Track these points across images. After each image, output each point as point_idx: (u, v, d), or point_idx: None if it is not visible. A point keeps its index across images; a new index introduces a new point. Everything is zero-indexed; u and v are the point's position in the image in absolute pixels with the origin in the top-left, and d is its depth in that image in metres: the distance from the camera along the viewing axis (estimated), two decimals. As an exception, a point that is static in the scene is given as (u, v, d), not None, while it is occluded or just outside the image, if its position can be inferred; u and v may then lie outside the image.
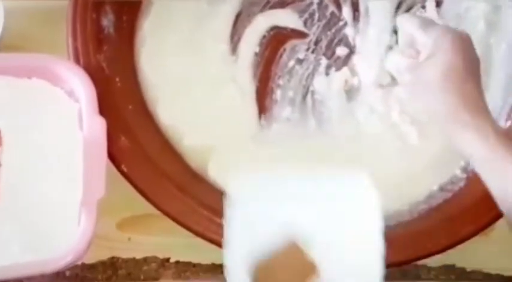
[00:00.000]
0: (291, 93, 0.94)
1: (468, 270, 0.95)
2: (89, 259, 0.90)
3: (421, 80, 0.79)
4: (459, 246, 0.88)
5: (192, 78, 0.94)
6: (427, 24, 0.82)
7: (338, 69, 0.96)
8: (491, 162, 0.75)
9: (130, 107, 0.90)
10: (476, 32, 0.95)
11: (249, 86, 0.94)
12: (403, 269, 0.93)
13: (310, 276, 0.77)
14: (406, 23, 0.84)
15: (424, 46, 0.80)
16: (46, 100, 0.86)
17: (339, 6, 0.97)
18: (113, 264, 0.91)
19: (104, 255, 0.85)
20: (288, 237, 0.75)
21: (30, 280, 0.90)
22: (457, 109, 0.77)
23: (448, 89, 0.77)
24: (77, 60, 0.87)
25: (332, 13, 0.98)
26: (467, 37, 0.80)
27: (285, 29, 0.97)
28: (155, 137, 0.89)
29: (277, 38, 0.97)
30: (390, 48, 0.94)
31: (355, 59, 0.96)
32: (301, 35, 0.97)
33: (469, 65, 0.78)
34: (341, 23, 0.97)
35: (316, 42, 0.97)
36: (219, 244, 0.86)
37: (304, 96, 0.93)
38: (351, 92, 0.93)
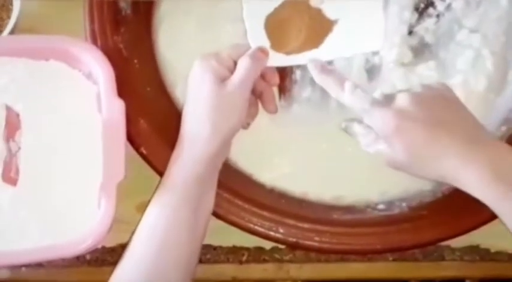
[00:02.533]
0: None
1: (493, 251, 0.94)
2: (109, 242, 0.90)
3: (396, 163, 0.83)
4: (483, 227, 0.88)
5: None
6: (370, 105, 0.82)
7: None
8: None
9: (148, 89, 0.90)
10: (500, 8, 0.93)
11: (268, 66, 0.93)
12: (427, 250, 0.93)
13: (326, 32, 0.89)
14: (354, 101, 0.84)
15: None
16: (64, 82, 0.86)
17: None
18: (133, 247, 0.91)
19: (124, 238, 0.85)
20: None
21: (50, 264, 0.90)
22: (443, 166, 0.79)
23: (421, 159, 0.80)
24: (95, 42, 0.87)
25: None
26: (410, 99, 0.80)
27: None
28: (174, 118, 0.88)
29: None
30: (411, 26, 0.92)
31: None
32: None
33: (428, 120, 0.79)
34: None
35: (336, 21, 0.95)
36: (239, 226, 0.86)
37: (325, 76, 0.92)
38: (371, 71, 0.92)
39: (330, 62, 0.90)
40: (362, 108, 0.82)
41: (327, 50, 0.90)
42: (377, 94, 0.83)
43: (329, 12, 0.90)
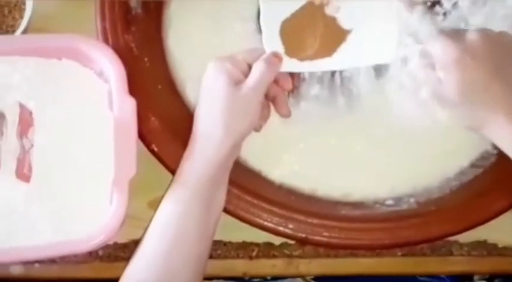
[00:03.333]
0: (319, 71, 0.94)
1: (500, 246, 0.94)
2: (122, 238, 0.91)
3: (442, 97, 0.82)
4: (491, 222, 0.88)
5: (219, 56, 0.94)
6: (438, 31, 0.82)
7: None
8: None
9: (159, 86, 0.91)
10: (506, 6, 0.94)
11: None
12: (435, 245, 0.93)
13: (340, 41, 0.89)
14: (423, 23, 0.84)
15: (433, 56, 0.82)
16: (76, 81, 0.87)
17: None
18: (144, 243, 0.92)
19: (136, 234, 0.86)
20: None
21: (63, 260, 0.91)
22: (488, 117, 0.79)
23: (471, 102, 0.79)
24: (106, 41, 0.88)
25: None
26: (479, 38, 0.80)
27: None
28: (184, 116, 0.89)
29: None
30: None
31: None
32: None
33: (489, 65, 0.79)
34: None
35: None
36: (249, 222, 0.87)
37: (333, 74, 0.92)
38: (379, 69, 0.92)
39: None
40: (429, 31, 0.83)
41: (339, 59, 0.90)
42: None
43: (343, 21, 0.90)
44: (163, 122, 0.88)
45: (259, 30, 0.92)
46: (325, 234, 0.87)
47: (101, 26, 0.88)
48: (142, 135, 0.86)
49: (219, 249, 0.93)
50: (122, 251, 0.91)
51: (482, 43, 0.80)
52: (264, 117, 0.89)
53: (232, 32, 0.95)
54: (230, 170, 0.85)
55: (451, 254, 0.93)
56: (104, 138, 0.84)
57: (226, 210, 0.86)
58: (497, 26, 0.87)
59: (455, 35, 0.82)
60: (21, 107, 0.82)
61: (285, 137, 0.93)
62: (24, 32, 0.91)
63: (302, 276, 0.97)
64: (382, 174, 0.92)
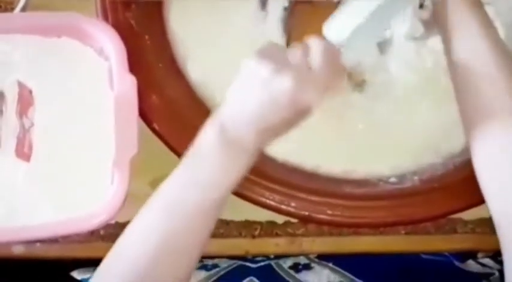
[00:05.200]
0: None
1: (504, 223, 0.94)
2: (123, 218, 0.90)
3: None
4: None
5: (221, 34, 0.93)
6: None
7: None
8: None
9: (160, 64, 0.90)
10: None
11: (279, 41, 0.93)
12: (439, 223, 0.93)
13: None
14: None
15: None
16: (76, 59, 0.86)
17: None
18: (146, 222, 0.92)
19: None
20: None
21: (64, 239, 0.91)
22: None
23: None
24: (106, 18, 0.87)
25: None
26: None
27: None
28: (186, 94, 0.88)
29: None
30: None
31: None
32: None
33: None
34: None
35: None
36: (251, 200, 0.87)
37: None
38: (383, 45, 0.91)
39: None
40: None
41: None
42: None
43: None
44: (164, 101, 0.87)
45: (261, 7, 0.91)
46: (329, 212, 0.86)
47: (100, 3, 0.87)
48: (143, 114, 0.85)
49: (222, 228, 0.93)
50: (123, 231, 0.91)
51: None
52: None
53: (234, 9, 0.94)
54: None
55: (455, 231, 0.93)
56: (105, 116, 0.83)
57: (228, 189, 0.85)
58: (503, 1, 0.87)
59: None
60: (21, 85, 0.82)
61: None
62: (23, 10, 0.90)
63: (305, 255, 0.97)
64: (385, 152, 0.91)
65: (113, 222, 0.90)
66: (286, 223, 0.93)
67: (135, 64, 0.85)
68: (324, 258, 0.99)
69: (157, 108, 0.86)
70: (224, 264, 0.95)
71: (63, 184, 0.83)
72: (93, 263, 0.93)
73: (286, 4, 0.94)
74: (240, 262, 0.96)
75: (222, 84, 0.90)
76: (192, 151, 0.73)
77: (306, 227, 0.93)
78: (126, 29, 0.87)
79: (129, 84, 0.83)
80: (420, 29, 0.91)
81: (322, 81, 0.71)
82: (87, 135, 0.84)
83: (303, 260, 0.96)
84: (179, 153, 0.85)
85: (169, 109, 0.87)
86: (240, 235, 0.93)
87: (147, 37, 0.89)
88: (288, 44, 0.93)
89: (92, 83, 0.86)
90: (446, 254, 1.01)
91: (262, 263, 0.97)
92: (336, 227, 0.93)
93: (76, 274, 0.96)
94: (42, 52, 0.85)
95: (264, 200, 0.86)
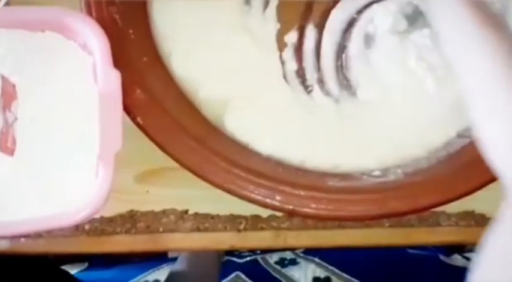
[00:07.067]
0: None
1: (488, 216, 0.95)
2: (108, 212, 0.91)
3: None
4: (478, 193, 0.88)
5: (206, 29, 0.93)
6: None
7: (353, 16, 0.94)
8: None
9: (144, 59, 0.89)
10: None
11: (264, 34, 0.93)
12: (423, 215, 0.93)
13: None
14: None
15: None
16: (60, 53, 0.86)
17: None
18: (131, 217, 0.92)
19: (122, 208, 0.86)
20: None
21: (49, 234, 0.91)
22: None
23: None
24: (90, 13, 0.87)
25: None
26: None
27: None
28: (170, 88, 0.88)
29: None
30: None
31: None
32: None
33: None
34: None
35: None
36: (237, 195, 0.87)
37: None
38: (366, 39, 0.92)
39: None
40: None
41: None
42: None
43: None
44: (148, 95, 0.87)
45: (245, 2, 0.91)
46: (313, 205, 0.86)
47: (84, -2, 0.87)
48: (127, 108, 0.85)
49: (207, 222, 0.93)
50: (108, 225, 0.91)
51: None
52: None
53: (218, 3, 0.94)
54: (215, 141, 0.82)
55: (438, 224, 0.94)
56: (89, 111, 0.83)
57: (213, 183, 0.85)
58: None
59: None
60: (4, 80, 0.82)
61: (272, 109, 0.93)
62: (7, 4, 0.90)
63: (291, 249, 0.97)
64: (369, 146, 0.92)
65: (97, 216, 0.91)
66: (270, 217, 0.93)
67: (119, 58, 0.84)
68: (310, 252, 1.00)
69: (141, 103, 0.86)
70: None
71: (48, 179, 0.82)
72: (78, 258, 0.94)
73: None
74: (227, 257, 0.97)
75: (206, 79, 0.91)
76: None
77: (291, 220, 0.93)
78: (110, 24, 0.87)
79: (113, 78, 0.82)
80: (403, 24, 0.91)
81: None
82: (71, 130, 0.84)
83: (289, 255, 0.97)
84: (164, 148, 0.85)
85: (154, 104, 0.87)
86: (225, 229, 0.93)
87: (131, 31, 0.89)
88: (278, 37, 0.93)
89: (76, 78, 0.85)
90: (432, 248, 1.01)
91: (248, 258, 0.97)
92: (321, 221, 0.93)
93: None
94: (26, 46, 0.85)
95: (248, 194, 0.86)
